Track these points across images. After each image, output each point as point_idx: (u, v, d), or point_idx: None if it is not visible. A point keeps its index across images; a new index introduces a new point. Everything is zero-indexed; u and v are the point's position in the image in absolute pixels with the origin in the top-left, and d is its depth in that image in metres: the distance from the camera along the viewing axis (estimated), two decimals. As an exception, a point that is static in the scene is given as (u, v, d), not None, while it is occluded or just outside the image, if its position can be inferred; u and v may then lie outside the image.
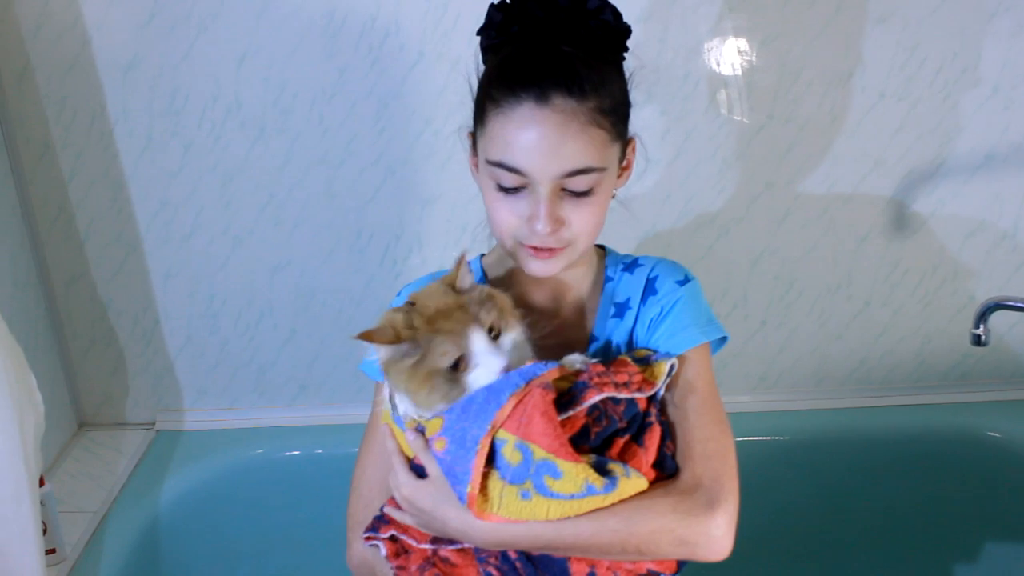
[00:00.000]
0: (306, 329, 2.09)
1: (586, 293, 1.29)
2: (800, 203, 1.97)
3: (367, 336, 1.05)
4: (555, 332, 1.27)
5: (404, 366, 1.06)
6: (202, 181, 1.94)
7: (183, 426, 2.13)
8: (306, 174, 1.94)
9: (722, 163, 1.93)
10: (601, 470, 1.03)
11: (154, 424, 2.14)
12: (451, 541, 1.12)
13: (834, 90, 1.87)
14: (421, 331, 1.06)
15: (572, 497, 1.01)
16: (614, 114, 1.13)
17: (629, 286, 1.27)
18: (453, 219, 1.98)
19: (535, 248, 1.16)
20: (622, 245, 1.36)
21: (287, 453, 2.07)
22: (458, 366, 1.06)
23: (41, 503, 1.55)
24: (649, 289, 1.25)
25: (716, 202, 1.97)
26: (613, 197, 1.22)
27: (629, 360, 1.17)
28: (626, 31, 1.18)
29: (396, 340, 1.06)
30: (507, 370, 1.06)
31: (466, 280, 1.13)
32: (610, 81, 1.13)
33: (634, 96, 1.20)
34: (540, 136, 1.09)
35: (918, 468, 2.06)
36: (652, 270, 1.27)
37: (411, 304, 1.11)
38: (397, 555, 1.16)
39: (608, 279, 1.29)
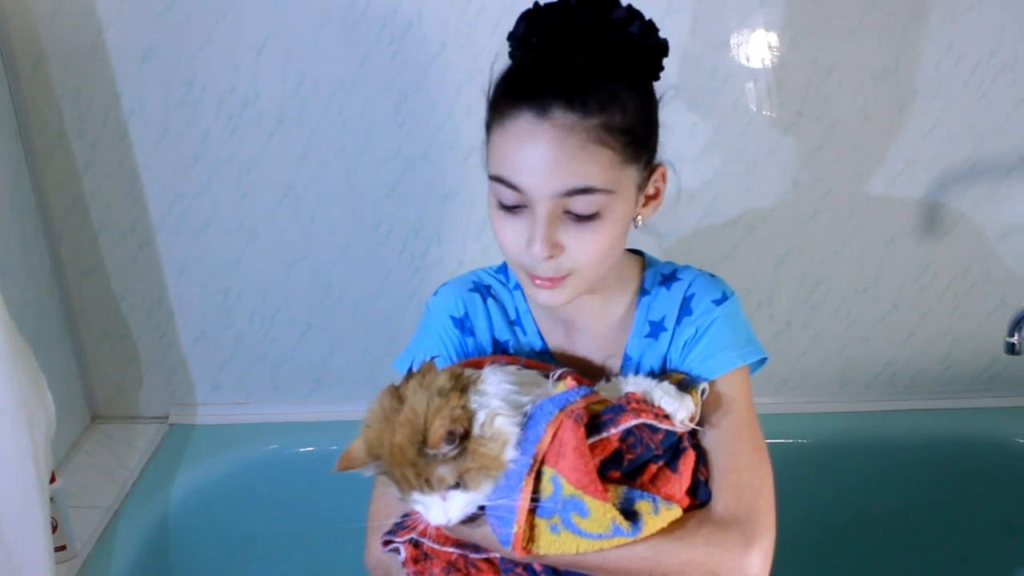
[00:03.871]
0: (322, 323, 2.06)
1: (621, 309, 1.23)
2: (828, 202, 1.92)
3: (343, 465, 1.07)
4: (588, 350, 1.24)
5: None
6: (218, 173, 1.91)
7: (196, 420, 2.12)
8: (324, 167, 1.91)
9: (749, 160, 1.89)
10: (628, 511, 1.01)
11: (167, 418, 2.13)
12: (476, 548, 1.10)
13: (866, 88, 1.83)
14: (381, 458, 1.04)
15: (600, 537, 0.99)
16: (627, 134, 1.04)
17: (665, 303, 1.21)
18: (473, 214, 1.94)
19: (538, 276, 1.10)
20: (644, 243, 1.32)
21: (301, 449, 2.05)
22: None
23: (52, 500, 1.53)
24: (684, 309, 1.19)
25: (742, 200, 1.93)
26: (637, 226, 1.16)
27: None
28: (657, 48, 1.09)
29: (363, 464, 1.06)
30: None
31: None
32: (625, 98, 1.04)
33: (661, 98, 1.14)
34: (537, 151, 1.02)
35: (943, 474, 2.03)
36: (689, 287, 1.20)
37: (399, 398, 1.05)
38: (416, 560, 1.13)
39: (644, 292, 1.23)
